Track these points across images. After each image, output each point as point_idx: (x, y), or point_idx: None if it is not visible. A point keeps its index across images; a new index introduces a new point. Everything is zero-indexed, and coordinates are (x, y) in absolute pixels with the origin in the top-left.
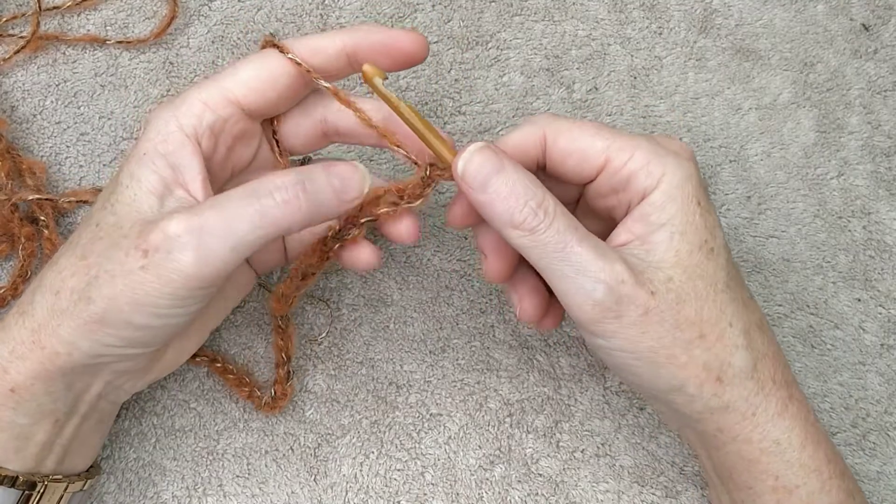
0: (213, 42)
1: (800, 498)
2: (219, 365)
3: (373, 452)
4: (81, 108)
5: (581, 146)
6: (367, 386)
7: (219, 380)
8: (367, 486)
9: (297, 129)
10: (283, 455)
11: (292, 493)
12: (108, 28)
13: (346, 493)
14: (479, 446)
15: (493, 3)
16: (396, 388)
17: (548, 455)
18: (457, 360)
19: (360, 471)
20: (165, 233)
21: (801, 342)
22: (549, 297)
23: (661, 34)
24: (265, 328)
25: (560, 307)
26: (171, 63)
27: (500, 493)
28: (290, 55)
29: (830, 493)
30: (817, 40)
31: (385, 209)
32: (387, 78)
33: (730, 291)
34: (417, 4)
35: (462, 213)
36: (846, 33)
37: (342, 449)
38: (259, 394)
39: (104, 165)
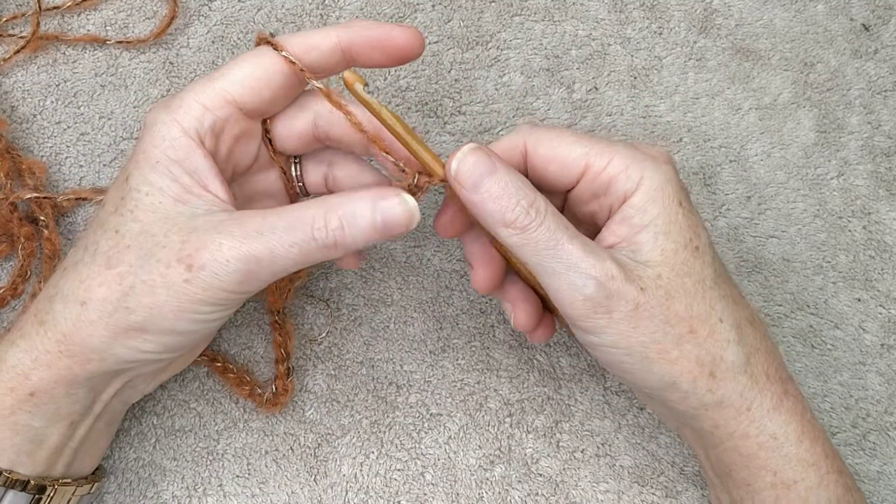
0: (213, 42)
1: (798, 493)
2: (219, 364)
3: (373, 452)
4: (81, 108)
5: (561, 153)
6: (367, 386)
7: (219, 380)
8: (367, 486)
9: (289, 131)
10: (283, 455)
11: (292, 493)
12: (108, 28)
13: (346, 493)
14: (479, 446)
15: (493, 3)
16: (396, 388)
17: (548, 455)
18: (457, 360)
19: (360, 471)
20: (215, 256)
21: (801, 342)
22: (542, 307)
23: (661, 34)
24: (265, 328)
25: (551, 319)
26: (171, 63)
27: (500, 493)
28: (283, 53)
29: (829, 487)
30: (817, 40)
31: None
32: (367, 84)
33: (718, 288)
34: (417, 4)
35: (449, 221)
36: (846, 33)
37: (342, 449)
38: (259, 392)
39: (104, 165)
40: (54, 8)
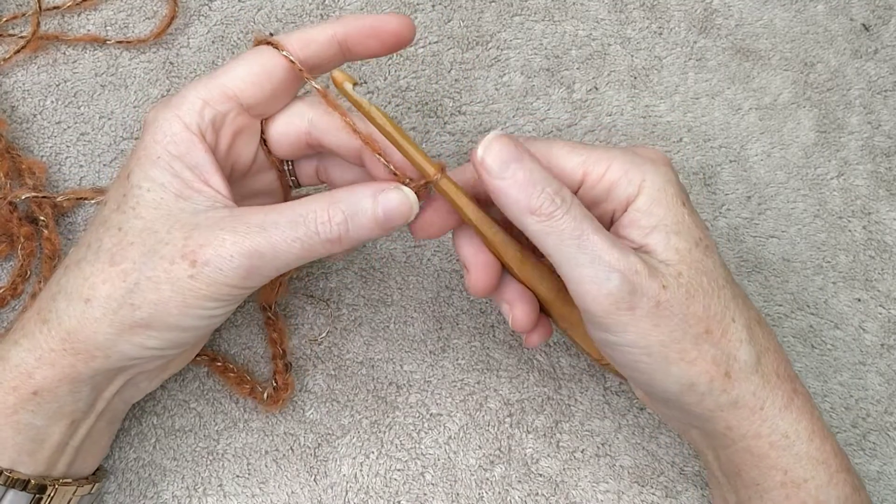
0: (213, 42)
1: (808, 492)
2: (219, 364)
3: (373, 452)
4: (81, 108)
5: (557, 164)
6: (367, 386)
7: (219, 380)
8: (367, 486)
9: (283, 136)
10: (283, 455)
11: (292, 493)
12: (108, 28)
13: (346, 493)
14: (479, 446)
15: (493, 3)
16: (396, 388)
17: (548, 455)
18: (457, 360)
19: (360, 471)
20: (218, 252)
21: (801, 342)
22: (539, 308)
23: (661, 34)
24: (265, 328)
25: (548, 322)
26: (171, 63)
27: (500, 493)
28: (284, 53)
29: (838, 486)
30: (817, 40)
31: None
32: (358, 84)
33: (730, 287)
34: (417, 4)
35: (427, 222)
36: (846, 33)
37: (342, 449)
38: (260, 390)
39: (104, 165)
40: (54, 8)
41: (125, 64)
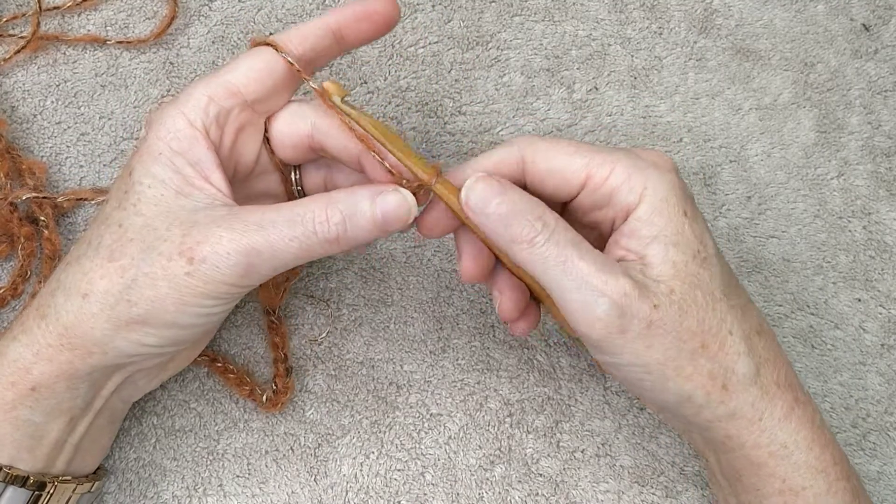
0: (213, 42)
1: (806, 500)
2: (219, 364)
3: (373, 452)
4: (81, 108)
5: (560, 165)
6: (367, 386)
7: (219, 380)
8: (367, 486)
9: (287, 140)
10: (283, 455)
11: (292, 493)
12: (108, 28)
13: (346, 493)
14: (480, 446)
15: (493, 4)
16: (396, 388)
17: (548, 455)
18: (457, 360)
19: (360, 471)
20: (215, 249)
21: (801, 342)
22: (529, 298)
23: (661, 34)
24: (265, 329)
25: (536, 310)
26: (171, 63)
27: (500, 493)
28: (282, 54)
29: (836, 494)
30: (817, 40)
31: None
32: (347, 94)
33: (727, 299)
34: (417, 4)
35: (433, 222)
36: (846, 33)
37: (342, 449)
38: (260, 392)
39: (104, 165)
40: (54, 8)
41: (125, 64)
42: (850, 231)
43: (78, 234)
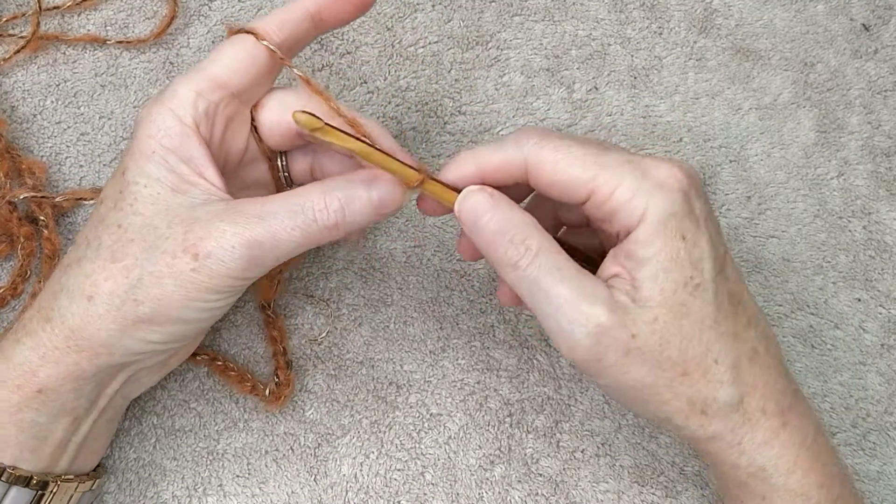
0: (213, 42)
1: None
2: (219, 363)
3: (373, 452)
4: (81, 108)
5: (563, 178)
6: (367, 386)
7: (219, 380)
8: (367, 486)
9: (276, 126)
10: (283, 455)
11: (292, 493)
12: (108, 28)
13: (346, 493)
14: (479, 446)
15: (493, 3)
16: (396, 388)
17: (548, 455)
18: (457, 360)
19: (360, 471)
20: (219, 244)
21: (801, 342)
22: None
23: (661, 34)
24: (264, 328)
25: None
26: (171, 63)
27: (500, 493)
28: (264, 42)
29: None
30: (817, 40)
31: None
32: (319, 126)
33: (718, 327)
34: (417, 4)
35: (431, 204)
36: (846, 33)
37: (342, 449)
38: (262, 386)
39: (104, 165)
40: (54, 8)
41: (125, 64)
42: (850, 231)
43: (76, 233)
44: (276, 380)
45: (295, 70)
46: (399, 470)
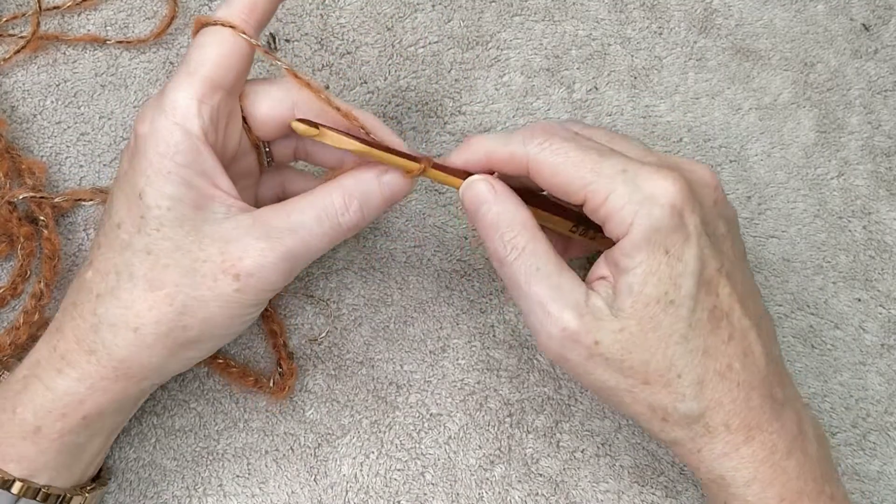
0: None
1: None
2: (220, 361)
3: (373, 452)
4: (81, 108)
5: (560, 182)
6: (367, 386)
7: (219, 379)
8: (367, 486)
9: (270, 120)
10: (283, 455)
11: (292, 493)
12: (108, 28)
13: (346, 493)
14: (479, 446)
15: (493, 3)
16: (396, 388)
17: (548, 455)
18: (457, 360)
19: (360, 471)
20: (259, 262)
21: (801, 342)
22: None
23: (661, 34)
24: (262, 326)
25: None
26: (171, 63)
27: (500, 493)
28: (254, 41)
29: None
30: (817, 40)
31: None
32: (317, 127)
33: (687, 343)
34: (417, 4)
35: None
36: (846, 33)
37: (342, 449)
38: (266, 379)
39: (104, 165)
40: (54, 8)
41: (125, 64)
42: (850, 231)
43: (77, 234)
44: (280, 370)
45: (282, 63)
46: (399, 470)
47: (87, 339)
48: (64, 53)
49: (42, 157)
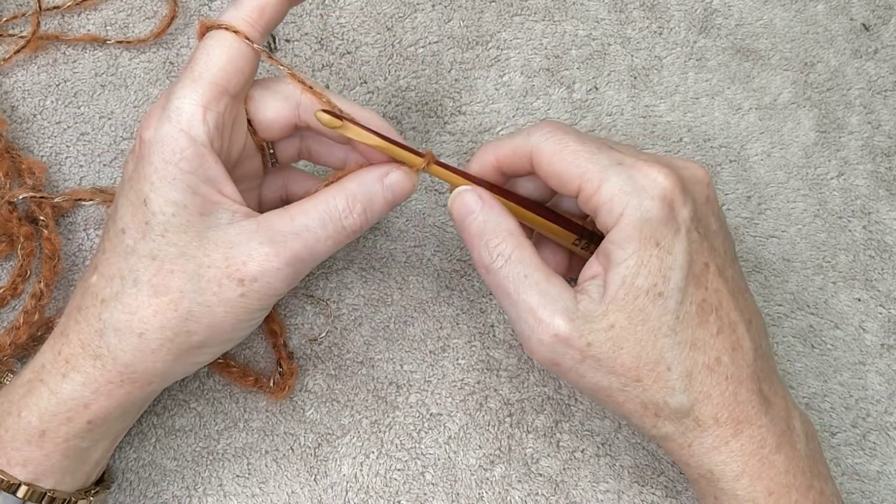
0: None
1: None
2: (220, 361)
3: (373, 452)
4: (81, 107)
5: (558, 171)
6: (367, 386)
7: (219, 379)
8: (368, 486)
9: (275, 122)
10: (283, 455)
11: (292, 492)
12: (108, 28)
13: (346, 493)
14: (480, 446)
15: (493, 3)
16: (396, 388)
17: (548, 455)
18: (457, 360)
19: (360, 471)
20: (263, 266)
21: (801, 342)
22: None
23: (661, 34)
24: (263, 329)
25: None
26: (171, 63)
27: (500, 492)
28: (258, 47)
29: None
30: (817, 40)
31: None
32: (341, 120)
33: (675, 335)
34: (417, 4)
35: None
36: (846, 33)
37: (342, 449)
38: (266, 378)
39: (104, 165)
40: (54, 8)
41: (125, 64)
42: (850, 231)
43: (77, 234)
44: (280, 370)
45: (283, 67)
46: (399, 470)
47: (93, 343)
48: (64, 53)
49: (42, 157)
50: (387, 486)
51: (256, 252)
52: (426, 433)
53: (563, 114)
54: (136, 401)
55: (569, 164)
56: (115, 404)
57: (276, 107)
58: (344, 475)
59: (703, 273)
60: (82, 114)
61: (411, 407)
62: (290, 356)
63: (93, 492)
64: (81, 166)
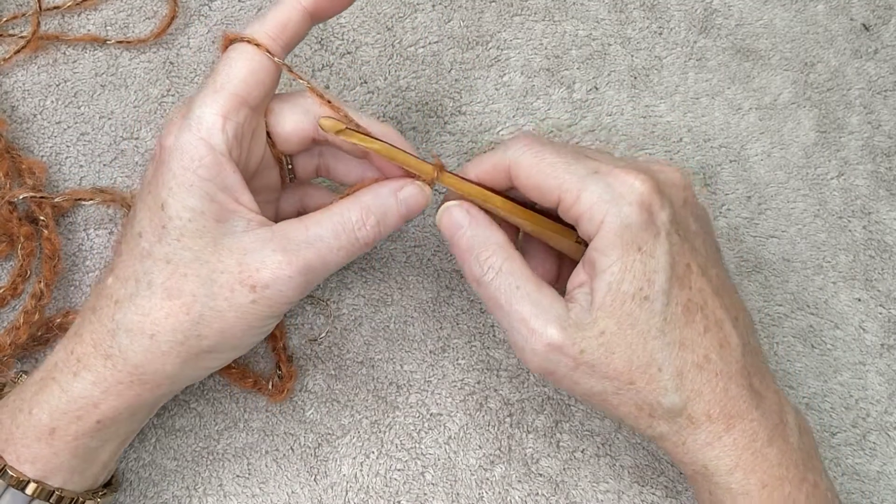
0: (213, 42)
1: None
2: None
3: (373, 452)
4: (81, 108)
5: (535, 183)
6: (367, 386)
7: (219, 379)
8: (368, 486)
9: (294, 136)
10: (283, 455)
11: (292, 493)
12: (108, 28)
13: (346, 493)
14: (480, 446)
15: (493, 3)
16: (396, 388)
17: (548, 455)
18: (457, 360)
19: (361, 471)
20: (275, 274)
21: (801, 342)
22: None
23: (661, 34)
24: None
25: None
26: (171, 63)
27: (500, 493)
28: (279, 61)
29: None
30: (817, 40)
31: None
32: (342, 128)
33: (664, 336)
34: (417, 4)
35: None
36: (846, 33)
37: (342, 449)
38: (265, 381)
39: (104, 165)
40: (54, 8)
41: (125, 64)
42: (850, 231)
43: (78, 234)
44: (279, 372)
45: (304, 81)
46: (399, 470)
47: (104, 343)
48: (64, 53)
49: (42, 157)
50: (387, 486)
51: (269, 259)
52: (426, 433)
53: (563, 113)
54: (145, 403)
55: (547, 175)
56: (124, 405)
57: (294, 120)
58: (344, 475)
59: (686, 274)
60: (82, 114)
61: (411, 407)
62: (289, 359)
63: (100, 493)
64: (81, 166)
